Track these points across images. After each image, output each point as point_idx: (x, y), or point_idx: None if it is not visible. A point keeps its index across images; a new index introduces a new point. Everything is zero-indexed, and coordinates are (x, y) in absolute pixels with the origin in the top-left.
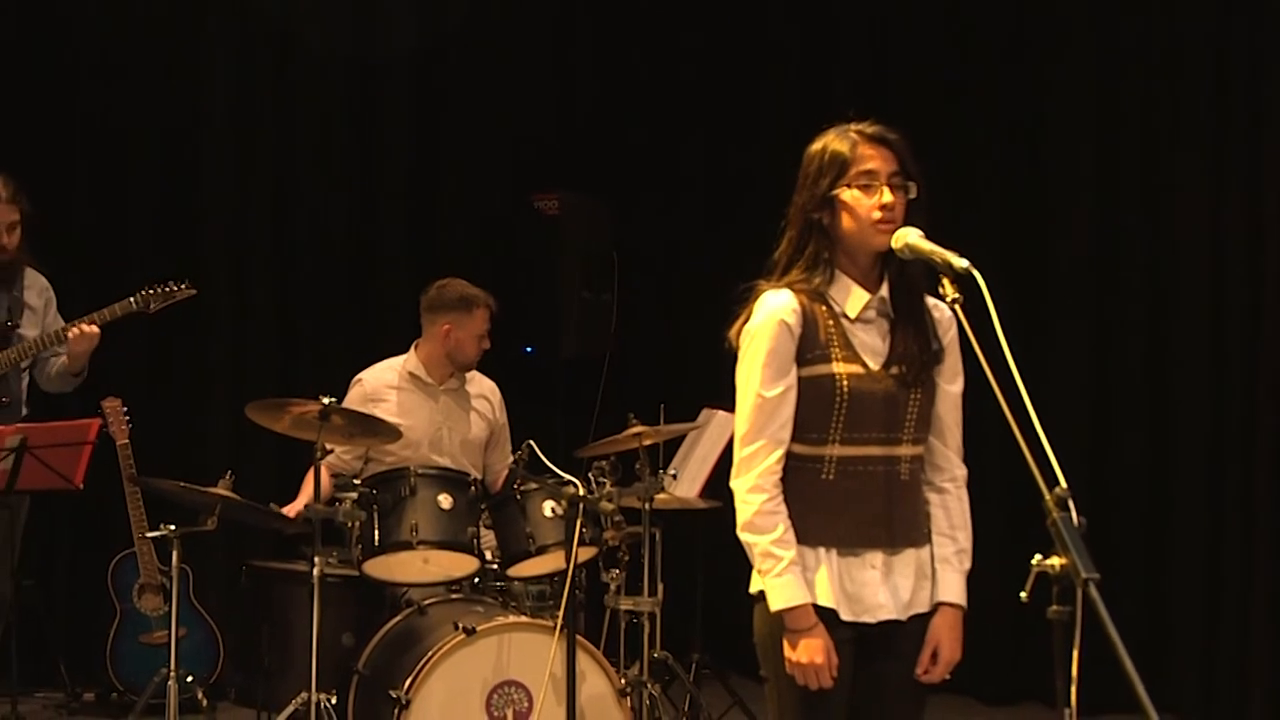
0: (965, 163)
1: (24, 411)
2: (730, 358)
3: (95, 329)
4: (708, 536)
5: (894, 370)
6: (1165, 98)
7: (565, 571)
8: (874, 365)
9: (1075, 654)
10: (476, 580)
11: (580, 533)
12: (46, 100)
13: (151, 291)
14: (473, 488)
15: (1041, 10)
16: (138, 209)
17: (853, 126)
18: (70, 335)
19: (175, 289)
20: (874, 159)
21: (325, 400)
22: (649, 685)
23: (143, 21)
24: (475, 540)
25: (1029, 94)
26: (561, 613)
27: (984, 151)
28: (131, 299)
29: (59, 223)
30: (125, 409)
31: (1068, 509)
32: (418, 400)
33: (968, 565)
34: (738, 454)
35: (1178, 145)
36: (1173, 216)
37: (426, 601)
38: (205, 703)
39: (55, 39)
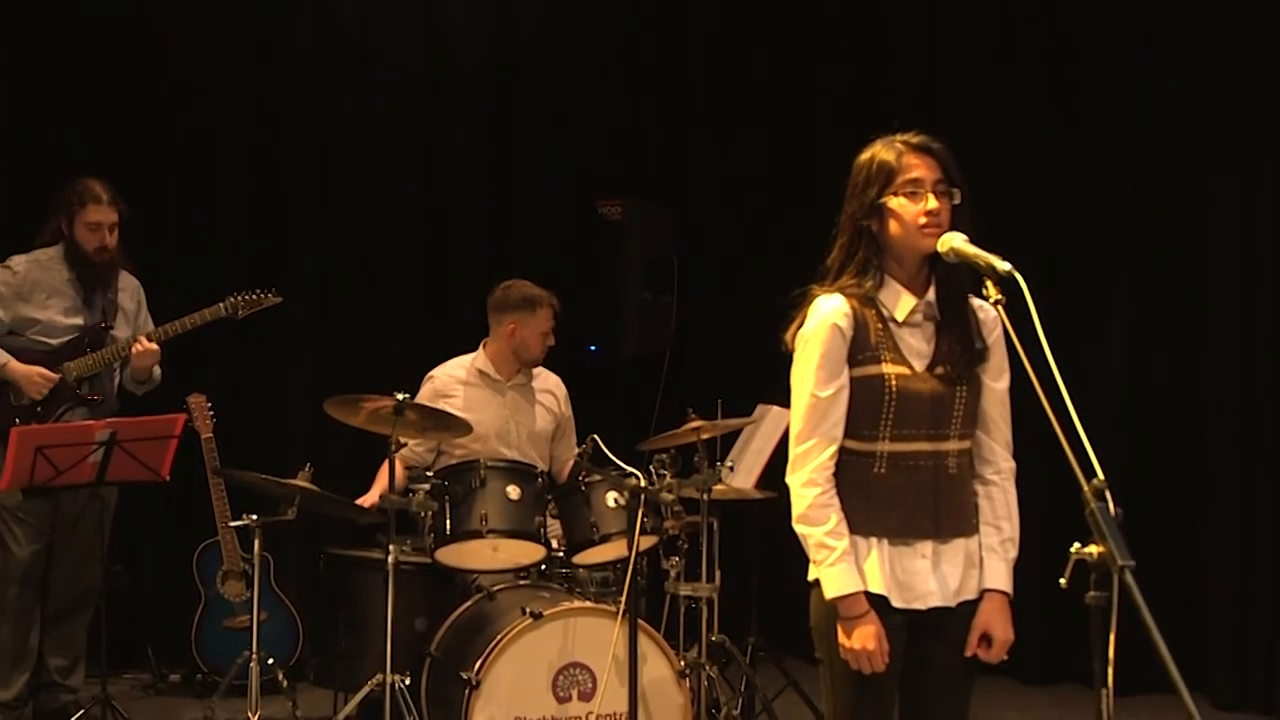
0: (1008, 169)
1: (115, 407)
2: (784, 356)
3: (155, 346)
4: (763, 525)
5: (938, 371)
6: (1198, 104)
7: (627, 559)
8: (919, 367)
9: (1112, 637)
10: (543, 567)
11: (642, 522)
12: (140, 112)
13: (240, 298)
14: (539, 479)
15: (1085, 25)
16: (225, 214)
17: (899, 137)
18: (134, 350)
19: (262, 296)
20: (919, 168)
21: (399, 396)
22: (707, 667)
23: (231, 36)
24: (542, 529)
25: (1070, 103)
26: (624, 598)
27: (1026, 158)
28: (221, 305)
29: (152, 228)
30: (209, 405)
31: (1105, 499)
32: (486, 396)
33: (1014, 554)
34: (793, 450)
35: (1211, 149)
36: (1205, 220)
37: (495, 587)
38: (285, 684)
39: (149, 54)
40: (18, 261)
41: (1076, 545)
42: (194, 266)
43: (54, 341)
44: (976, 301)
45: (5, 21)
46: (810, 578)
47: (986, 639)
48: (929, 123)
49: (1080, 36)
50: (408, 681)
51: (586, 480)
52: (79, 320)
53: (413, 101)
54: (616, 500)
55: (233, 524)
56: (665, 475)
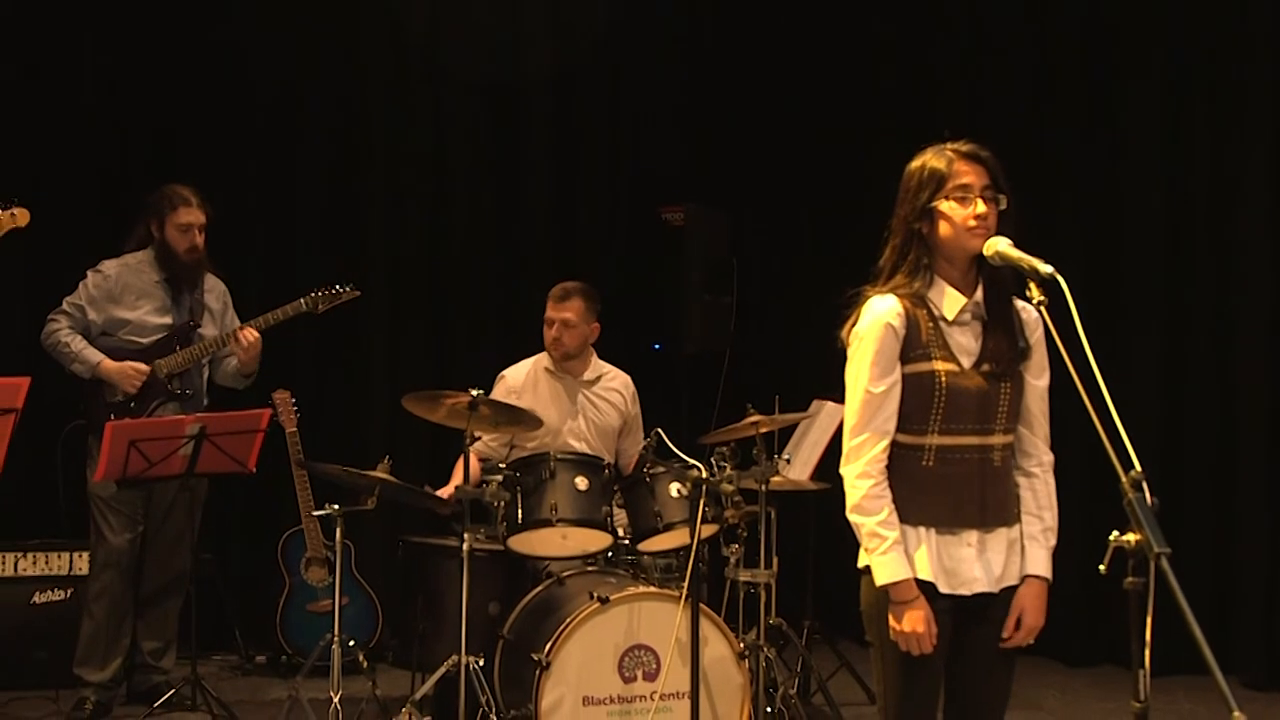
0: (1049, 175)
1: (204, 403)
2: (838, 354)
3: (255, 334)
4: (818, 515)
5: (984, 368)
6: (1228, 108)
7: (690, 546)
8: (966, 364)
9: (1149, 621)
10: (610, 554)
11: (703, 511)
12: (225, 123)
13: (320, 293)
14: (607, 471)
15: (1119, 37)
16: (305, 221)
17: (949, 145)
18: (240, 341)
19: (341, 291)
20: (968, 174)
21: (474, 392)
22: (765, 649)
23: (310, 51)
24: (609, 518)
25: (1108, 111)
26: (686, 583)
27: (1065, 165)
28: (302, 300)
29: (235, 233)
30: (294, 400)
31: (1142, 490)
32: (557, 392)
33: (1053, 542)
34: (847, 443)
35: (1240, 152)
36: (1236, 220)
37: (565, 574)
38: (365, 665)
39: (234, 69)
40: (108, 265)
41: (1115, 533)
42: (276, 270)
43: (144, 341)
44: (1020, 303)
45: (100, 39)
46: (861, 565)
47: (1019, 622)
48: (971, 130)
49: (1115, 45)
50: (482, 662)
51: (651, 472)
52: (168, 320)
53: (483, 111)
54: (679, 491)
55: (316, 513)
56: (725, 467)
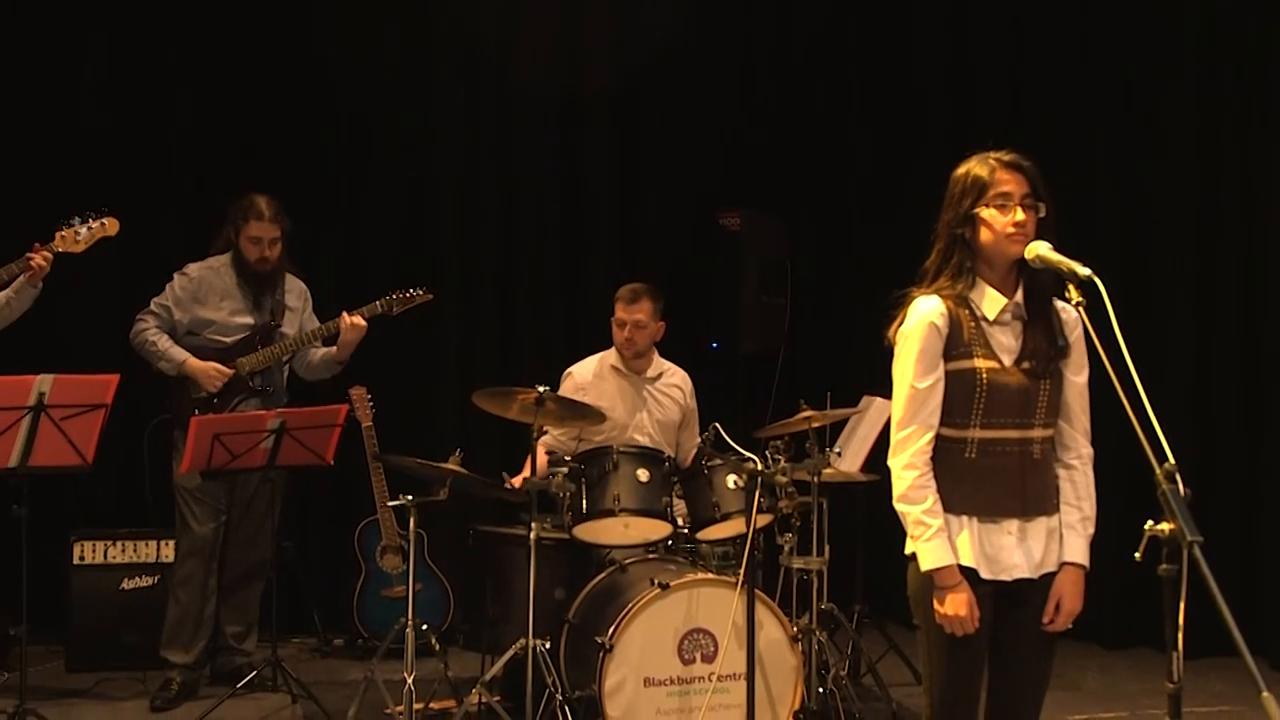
0: (1087, 181)
1: (284, 399)
2: (887, 352)
3: (363, 321)
4: (867, 505)
5: (1025, 365)
6: (1261, 110)
7: (746, 535)
8: (1007, 361)
9: (1182, 606)
10: (670, 543)
11: (758, 502)
12: (309, 138)
13: (395, 296)
14: (667, 463)
15: (1152, 49)
16: (381, 226)
17: (991, 154)
18: (342, 326)
19: (416, 294)
20: (1009, 183)
21: (541, 388)
22: (817, 632)
23: (381, 68)
24: (669, 508)
25: (1141, 119)
26: (742, 570)
27: (1102, 170)
28: (378, 302)
29: (315, 240)
30: (370, 396)
31: (1175, 481)
32: (622, 388)
33: (1091, 531)
34: (894, 436)
35: (1272, 153)
36: (1265, 220)
37: (627, 561)
38: (438, 647)
39: (318, 87)
40: (193, 268)
41: (1150, 523)
42: (351, 274)
43: (227, 340)
44: (1059, 303)
45: (192, 54)
46: (908, 552)
47: (1058, 607)
48: (1010, 132)
49: (1151, 58)
50: (548, 645)
51: (709, 464)
52: (249, 320)
53: (550, 120)
54: (736, 482)
55: (390, 504)
56: (780, 460)
